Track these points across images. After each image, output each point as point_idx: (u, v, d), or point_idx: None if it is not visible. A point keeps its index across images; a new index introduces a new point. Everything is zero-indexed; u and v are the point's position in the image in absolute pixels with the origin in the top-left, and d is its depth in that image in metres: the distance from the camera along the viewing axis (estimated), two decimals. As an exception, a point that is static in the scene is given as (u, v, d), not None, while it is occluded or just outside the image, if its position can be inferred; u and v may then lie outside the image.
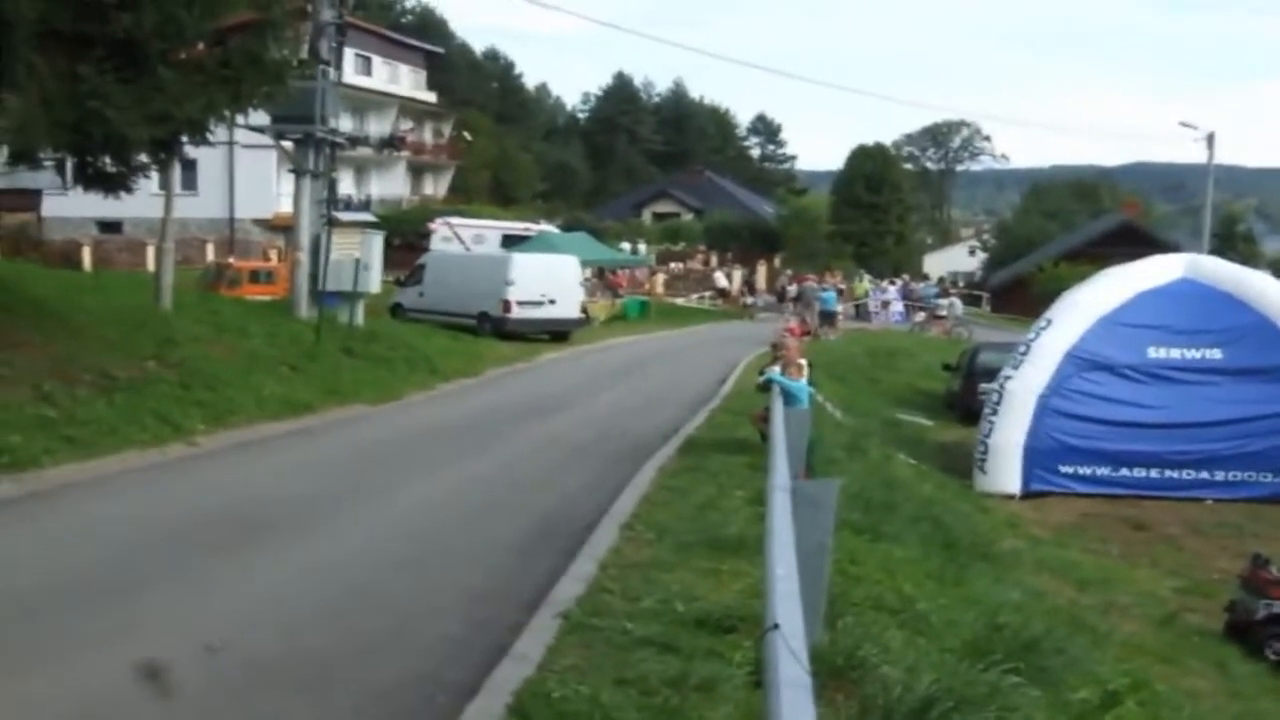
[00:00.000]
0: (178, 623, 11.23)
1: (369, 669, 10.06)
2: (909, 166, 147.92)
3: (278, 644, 10.66)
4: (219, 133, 24.85)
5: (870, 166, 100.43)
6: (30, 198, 66.00)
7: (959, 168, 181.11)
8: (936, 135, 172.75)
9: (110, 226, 68.14)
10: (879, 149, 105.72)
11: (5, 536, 14.36)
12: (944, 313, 73.12)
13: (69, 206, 62.22)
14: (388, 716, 9.09)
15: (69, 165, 23.45)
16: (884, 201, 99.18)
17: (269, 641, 10.70)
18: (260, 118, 32.83)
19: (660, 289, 78.86)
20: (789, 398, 19.66)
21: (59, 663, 9.83)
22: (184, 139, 22.58)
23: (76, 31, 19.29)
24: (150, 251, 57.18)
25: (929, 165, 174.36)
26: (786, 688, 5.20)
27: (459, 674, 9.85)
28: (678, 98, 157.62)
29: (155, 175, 26.70)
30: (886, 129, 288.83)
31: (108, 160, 22.02)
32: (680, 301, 76.41)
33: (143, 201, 26.90)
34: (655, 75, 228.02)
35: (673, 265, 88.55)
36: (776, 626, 5.93)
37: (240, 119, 26.25)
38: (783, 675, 5.33)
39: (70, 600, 11.69)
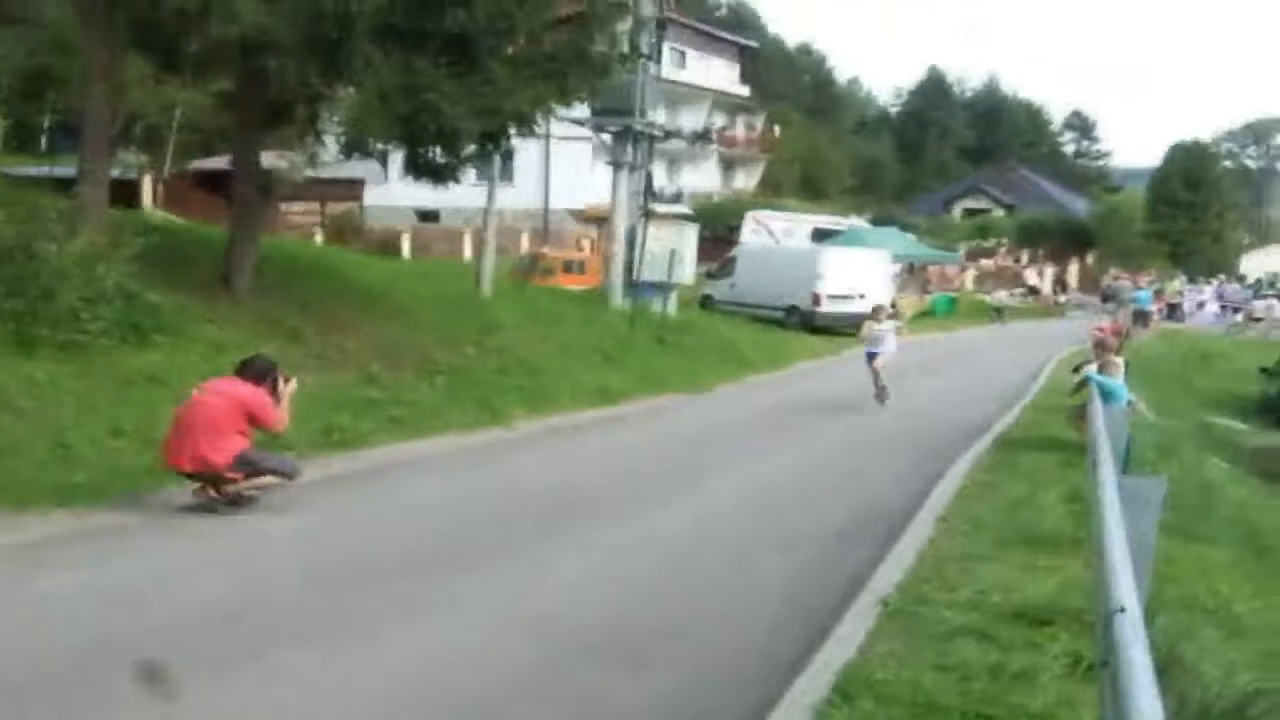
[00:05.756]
0: (504, 594, 11.67)
1: (693, 646, 10.32)
2: (1228, 164, 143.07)
3: (603, 619, 10.99)
4: (541, 125, 25.34)
5: (1188, 163, 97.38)
6: (352, 187, 67.68)
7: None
8: (1257, 131, 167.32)
9: (428, 216, 69.49)
10: (1197, 146, 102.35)
11: (338, 509, 15.01)
12: (1261, 314, 71.05)
13: (389, 195, 64.01)
14: (712, 692, 9.29)
15: (396, 156, 24.21)
16: (1201, 200, 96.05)
17: (594, 616, 11.05)
18: (580, 110, 33.43)
19: (969, 285, 78.12)
20: (1106, 395, 19.58)
21: (393, 631, 10.31)
22: (511, 131, 23.11)
23: (412, 27, 19.89)
24: (467, 240, 58.45)
25: (1249, 162, 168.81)
26: (1135, 670, 5.28)
27: (783, 654, 10.01)
28: (990, 93, 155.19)
29: (476, 166, 27.36)
30: (1205, 125, 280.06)
31: (438, 152, 22.70)
32: (988, 298, 75.51)
33: (461, 191, 27.49)
34: (968, 70, 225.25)
35: (983, 262, 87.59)
36: (1122, 610, 6.02)
37: (561, 111, 26.75)
38: (1132, 658, 5.41)
39: (400, 572, 12.19)
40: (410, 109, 20.05)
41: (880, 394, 27.35)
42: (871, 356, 27.69)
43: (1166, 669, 8.92)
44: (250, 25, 18.13)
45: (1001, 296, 66.47)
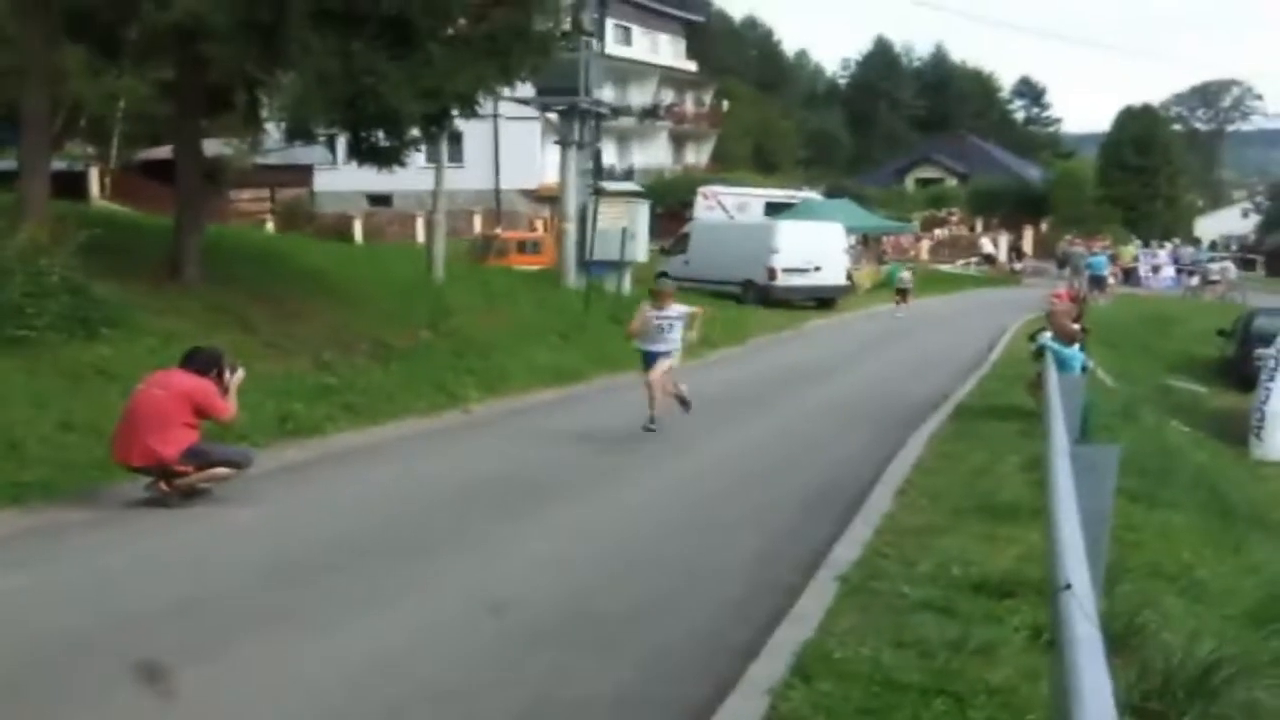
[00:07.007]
0: (463, 581, 11.54)
1: (651, 629, 10.20)
2: (1178, 127, 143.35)
3: (561, 604, 10.86)
4: (485, 105, 25.15)
5: (1138, 128, 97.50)
6: (302, 173, 67.39)
7: (1229, 128, 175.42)
8: (1206, 95, 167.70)
9: (379, 199, 69.32)
10: (1147, 111, 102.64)
11: (294, 499, 14.83)
12: (1217, 277, 71.24)
13: (339, 180, 63.76)
14: (670, 675, 9.16)
15: (342, 140, 24.06)
16: (1153, 164, 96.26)
17: (552, 601, 10.90)
18: (526, 90, 33.27)
19: (925, 255, 78.03)
20: (1062, 364, 19.48)
21: (352, 621, 10.15)
22: (454, 113, 22.90)
23: (348, 10, 19.64)
24: (420, 223, 58.28)
25: (1199, 126, 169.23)
26: (1081, 646, 5.18)
27: (740, 634, 9.91)
28: (939, 61, 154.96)
29: (424, 148, 27.19)
30: (1154, 90, 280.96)
31: (381, 135, 22.50)
32: (946, 268, 75.16)
33: (411, 174, 27.40)
34: (916, 39, 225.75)
35: (938, 232, 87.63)
36: (1068, 586, 5.91)
37: (507, 92, 26.55)
38: (1077, 634, 5.31)
39: (358, 561, 12.06)
40: (350, 92, 19.84)
41: (651, 421, 19.56)
42: (650, 361, 20.08)
43: (1127, 638, 8.85)
44: (185, 11, 18.00)
45: (905, 277, 52.10)
